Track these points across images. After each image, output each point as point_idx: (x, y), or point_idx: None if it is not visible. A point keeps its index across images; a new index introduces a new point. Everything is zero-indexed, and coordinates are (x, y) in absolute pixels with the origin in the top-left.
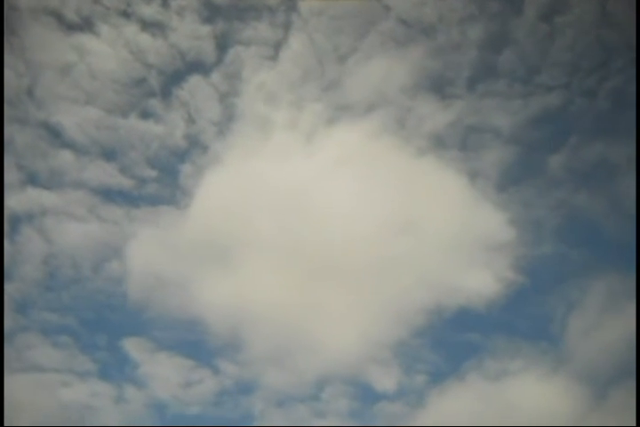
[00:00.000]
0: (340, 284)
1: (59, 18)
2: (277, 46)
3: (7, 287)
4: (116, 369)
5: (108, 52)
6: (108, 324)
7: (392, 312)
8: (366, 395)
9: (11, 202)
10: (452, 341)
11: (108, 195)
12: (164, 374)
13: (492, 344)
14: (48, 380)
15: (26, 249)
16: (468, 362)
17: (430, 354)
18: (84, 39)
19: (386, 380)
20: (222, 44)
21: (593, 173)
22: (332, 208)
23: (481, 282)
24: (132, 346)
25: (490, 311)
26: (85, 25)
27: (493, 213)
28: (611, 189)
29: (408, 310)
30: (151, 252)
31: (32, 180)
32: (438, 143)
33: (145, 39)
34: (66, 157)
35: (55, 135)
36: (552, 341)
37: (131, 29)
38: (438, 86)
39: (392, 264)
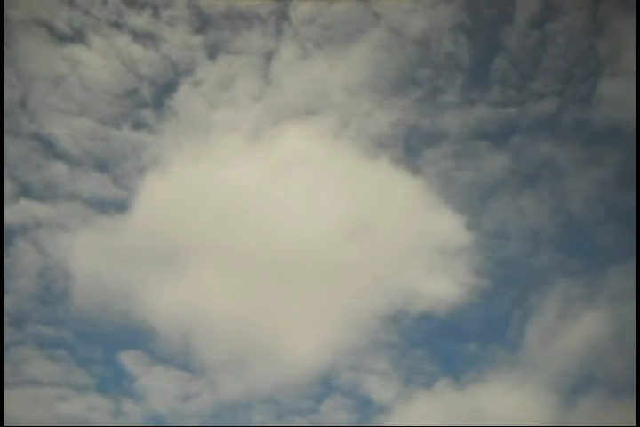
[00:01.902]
0: (294, 289)
1: (50, 29)
2: (269, 55)
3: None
4: (114, 383)
5: (99, 63)
6: (103, 337)
7: (350, 318)
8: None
9: (4, 214)
10: (414, 348)
11: (102, 206)
12: (162, 387)
13: (455, 351)
14: (45, 394)
15: (20, 262)
16: (432, 370)
17: (392, 361)
18: (76, 50)
19: (355, 387)
20: (213, 54)
21: (540, 176)
22: (282, 211)
23: (441, 287)
24: (129, 359)
25: (452, 317)
26: (77, 36)
27: (449, 216)
28: (558, 191)
29: (366, 315)
30: (94, 257)
31: (25, 191)
32: (388, 145)
33: (136, 50)
34: (59, 168)
35: (48, 147)
36: (516, 347)
37: (122, 40)
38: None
39: (347, 268)
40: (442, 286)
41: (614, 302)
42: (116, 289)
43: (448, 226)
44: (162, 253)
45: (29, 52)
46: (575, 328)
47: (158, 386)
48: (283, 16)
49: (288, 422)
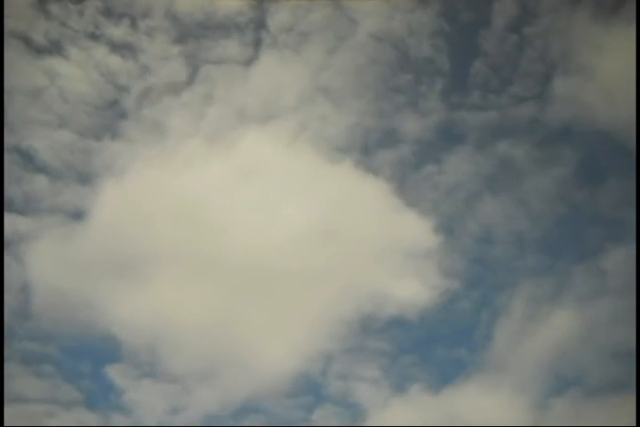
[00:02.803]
0: (263, 296)
1: (27, 41)
2: (248, 64)
3: None
4: (101, 397)
5: (78, 74)
6: (89, 351)
7: (321, 324)
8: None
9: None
10: (387, 352)
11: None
12: (150, 400)
13: (430, 355)
14: (32, 411)
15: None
16: (406, 374)
17: (366, 366)
18: (54, 62)
19: (344, 394)
20: (193, 64)
21: (504, 176)
22: (245, 216)
23: (411, 290)
24: (116, 373)
25: (423, 320)
26: (54, 48)
27: (416, 219)
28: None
29: (336, 321)
30: (53, 266)
31: (6, 205)
32: (352, 149)
33: (115, 61)
34: (40, 181)
35: (28, 160)
36: (489, 349)
37: (100, 51)
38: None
39: (315, 275)
40: (412, 289)
41: (581, 301)
42: (82, 301)
43: (415, 229)
44: (127, 262)
45: (7, 64)
46: (545, 329)
47: (146, 399)
48: (261, 25)
49: None
